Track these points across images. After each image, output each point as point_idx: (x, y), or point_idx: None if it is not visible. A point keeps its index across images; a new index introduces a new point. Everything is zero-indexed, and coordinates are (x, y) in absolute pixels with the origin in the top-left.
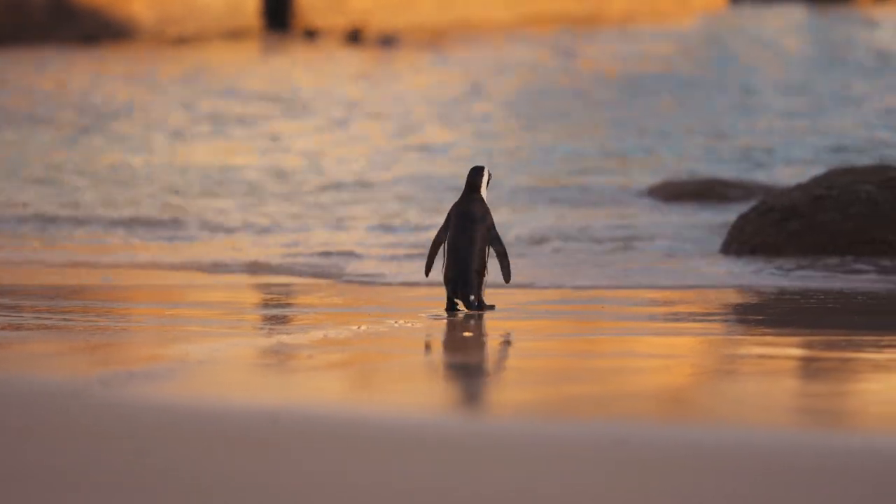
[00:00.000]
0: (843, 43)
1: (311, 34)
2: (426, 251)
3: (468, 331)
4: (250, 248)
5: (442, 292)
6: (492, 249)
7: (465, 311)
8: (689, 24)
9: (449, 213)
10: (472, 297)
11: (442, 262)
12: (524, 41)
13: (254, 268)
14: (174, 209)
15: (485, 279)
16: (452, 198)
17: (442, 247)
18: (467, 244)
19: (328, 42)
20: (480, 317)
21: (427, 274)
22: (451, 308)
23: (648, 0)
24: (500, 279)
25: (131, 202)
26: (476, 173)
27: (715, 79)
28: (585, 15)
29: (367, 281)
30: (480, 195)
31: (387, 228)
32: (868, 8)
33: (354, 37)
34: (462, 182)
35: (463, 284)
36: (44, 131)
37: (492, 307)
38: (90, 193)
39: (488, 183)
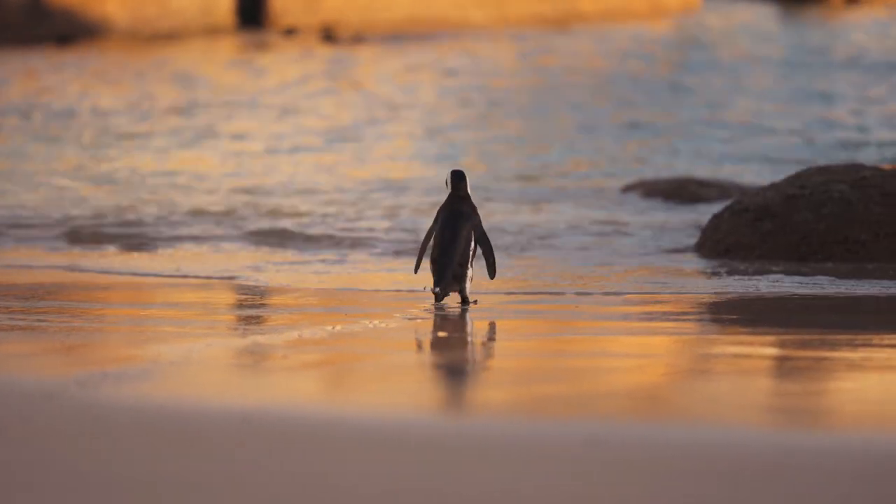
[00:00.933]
0: (816, 44)
1: (290, 32)
2: (389, 253)
3: (444, 331)
4: (212, 257)
5: (416, 294)
6: (478, 247)
7: (456, 305)
8: (664, 24)
9: (437, 213)
10: (462, 289)
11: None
12: (496, 41)
13: (219, 275)
14: (134, 214)
15: (470, 274)
16: (419, 202)
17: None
18: (451, 240)
19: (303, 41)
20: (460, 315)
21: (416, 271)
22: (438, 298)
23: (622, 0)
24: (486, 278)
25: (91, 207)
26: (458, 176)
27: (689, 78)
28: (559, 15)
29: (337, 289)
30: (467, 194)
31: (350, 233)
32: (839, 9)
33: (329, 36)
34: (438, 185)
35: (441, 277)
36: None
37: (474, 301)
38: (47, 199)
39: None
